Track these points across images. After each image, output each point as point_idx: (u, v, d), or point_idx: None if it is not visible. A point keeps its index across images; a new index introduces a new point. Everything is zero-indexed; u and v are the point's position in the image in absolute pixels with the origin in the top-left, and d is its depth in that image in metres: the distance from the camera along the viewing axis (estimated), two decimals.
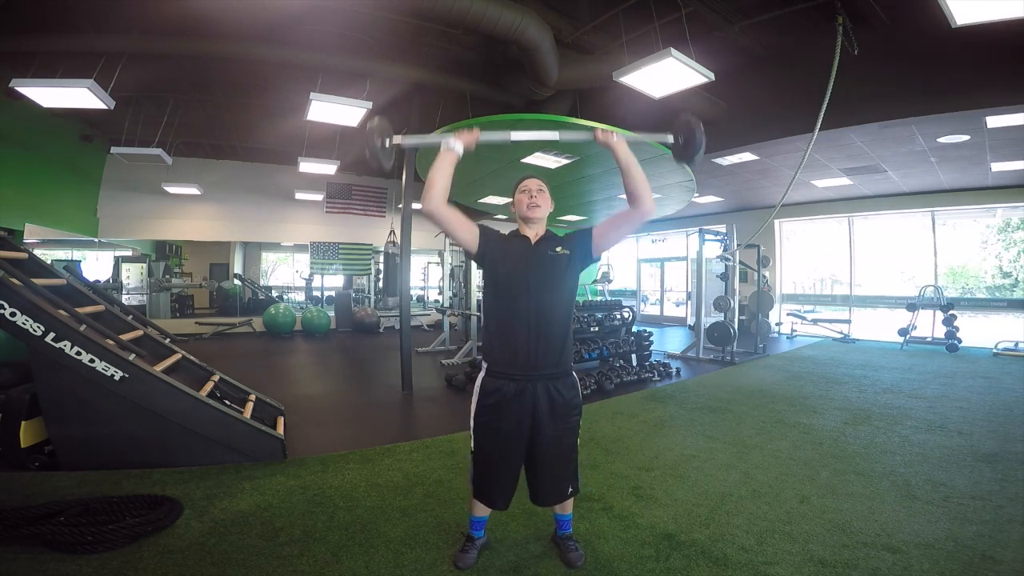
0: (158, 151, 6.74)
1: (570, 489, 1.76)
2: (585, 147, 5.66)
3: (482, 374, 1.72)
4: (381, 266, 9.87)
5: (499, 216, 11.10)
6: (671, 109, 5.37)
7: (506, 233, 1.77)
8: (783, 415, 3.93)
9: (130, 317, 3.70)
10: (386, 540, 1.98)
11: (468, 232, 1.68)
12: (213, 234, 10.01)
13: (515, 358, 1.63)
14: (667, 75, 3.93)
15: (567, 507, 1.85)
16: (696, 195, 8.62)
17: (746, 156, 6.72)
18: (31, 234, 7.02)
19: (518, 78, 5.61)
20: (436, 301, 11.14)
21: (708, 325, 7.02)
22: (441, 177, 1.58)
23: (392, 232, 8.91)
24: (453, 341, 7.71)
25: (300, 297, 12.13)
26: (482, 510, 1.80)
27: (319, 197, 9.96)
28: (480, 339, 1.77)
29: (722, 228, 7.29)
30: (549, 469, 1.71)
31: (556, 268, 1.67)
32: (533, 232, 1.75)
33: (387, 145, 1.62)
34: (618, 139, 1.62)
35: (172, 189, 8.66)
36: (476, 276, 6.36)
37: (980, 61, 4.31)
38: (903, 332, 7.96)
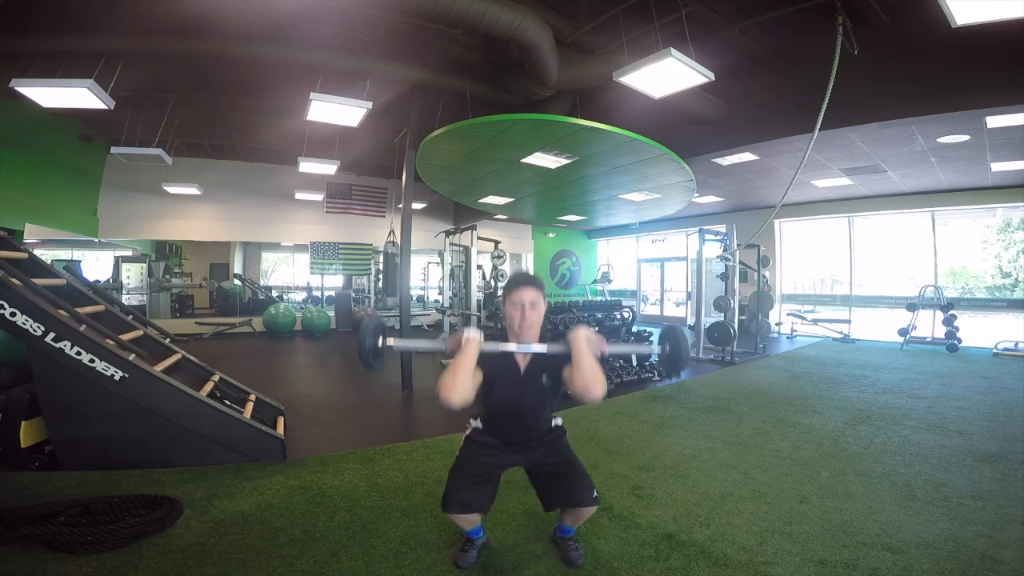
0: (158, 151, 6.74)
1: (594, 493, 1.70)
2: (585, 147, 5.67)
3: (471, 430, 1.81)
4: (381, 266, 9.85)
5: (499, 216, 11.10)
6: (671, 109, 5.42)
7: (495, 351, 1.64)
8: (783, 415, 3.93)
9: (130, 317, 3.70)
10: (386, 540, 1.98)
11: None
12: (213, 234, 10.01)
13: (506, 438, 1.76)
14: (667, 75, 3.93)
15: (580, 517, 1.78)
16: (696, 195, 8.63)
17: (746, 156, 6.72)
18: (31, 234, 7.02)
19: (518, 78, 5.61)
20: (436, 301, 11.13)
21: (708, 325, 7.02)
22: (465, 373, 1.57)
23: (392, 232, 8.90)
24: None
25: (300, 297, 12.13)
26: (466, 522, 1.75)
27: (319, 197, 9.96)
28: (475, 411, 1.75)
29: (722, 228, 7.29)
30: (560, 482, 1.74)
31: (543, 394, 1.72)
32: (523, 357, 1.69)
33: (380, 345, 1.67)
34: (584, 340, 1.54)
35: (172, 189, 8.66)
36: (476, 276, 6.34)
37: (980, 61, 4.31)
38: (903, 332, 7.96)
